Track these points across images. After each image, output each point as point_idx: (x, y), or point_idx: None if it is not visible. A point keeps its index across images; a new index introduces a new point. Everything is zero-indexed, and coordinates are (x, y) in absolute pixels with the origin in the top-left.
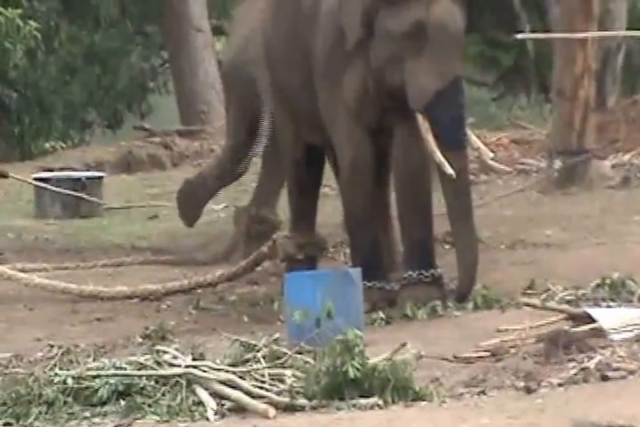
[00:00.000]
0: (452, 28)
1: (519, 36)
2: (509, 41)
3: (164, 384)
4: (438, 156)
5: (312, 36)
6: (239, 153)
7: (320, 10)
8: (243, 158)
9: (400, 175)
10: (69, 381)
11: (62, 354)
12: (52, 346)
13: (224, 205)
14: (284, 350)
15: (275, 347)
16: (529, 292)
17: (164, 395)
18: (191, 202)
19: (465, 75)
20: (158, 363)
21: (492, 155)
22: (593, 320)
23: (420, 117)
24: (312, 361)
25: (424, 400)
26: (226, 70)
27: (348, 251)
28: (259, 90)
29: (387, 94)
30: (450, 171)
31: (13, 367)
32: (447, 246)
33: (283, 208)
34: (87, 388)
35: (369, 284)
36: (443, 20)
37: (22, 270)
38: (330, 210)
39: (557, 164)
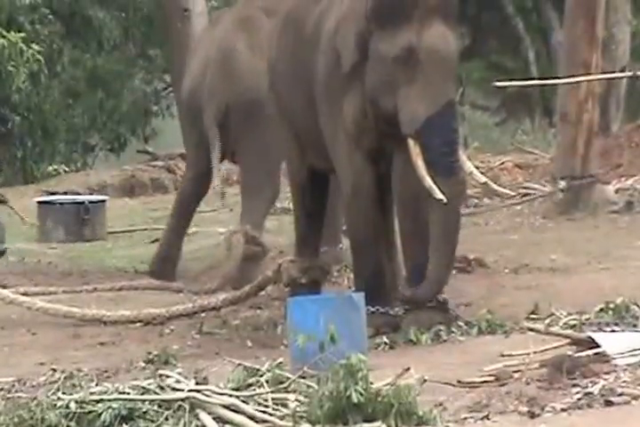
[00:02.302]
0: (444, 52)
1: (499, 84)
2: (513, 65)
3: (167, 409)
4: (428, 181)
5: (313, 59)
6: (201, 183)
7: (321, 33)
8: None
9: (401, 200)
10: (72, 405)
11: (65, 378)
12: (54, 370)
13: (230, 227)
14: (288, 374)
15: (278, 371)
16: (533, 316)
17: (167, 419)
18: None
19: (469, 99)
20: (161, 387)
21: (484, 180)
22: (597, 345)
23: (411, 142)
24: (315, 386)
25: (428, 425)
26: (182, 99)
27: (351, 275)
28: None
29: (384, 119)
30: (439, 196)
31: (16, 392)
32: (453, 271)
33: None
34: (90, 412)
35: (372, 308)
36: (434, 45)
37: (25, 294)
38: None
39: (562, 184)
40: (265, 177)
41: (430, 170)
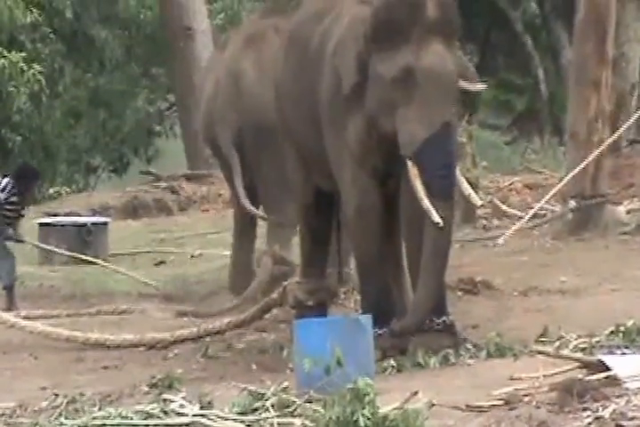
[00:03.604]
0: (443, 73)
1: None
2: (523, 83)
3: None
4: (426, 203)
5: (318, 79)
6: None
7: (324, 54)
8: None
9: (407, 221)
10: None
11: (68, 403)
12: (57, 395)
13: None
14: (294, 398)
15: (284, 395)
16: (542, 339)
17: None
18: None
19: (478, 118)
20: (165, 412)
21: (480, 202)
22: (607, 368)
23: (409, 164)
24: (322, 410)
25: None
26: (200, 123)
27: (358, 297)
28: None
29: (386, 139)
30: (437, 219)
31: (17, 417)
32: (459, 293)
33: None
34: None
35: (380, 331)
36: (432, 65)
37: (27, 318)
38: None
39: (572, 204)
40: (285, 196)
41: (427, 192)
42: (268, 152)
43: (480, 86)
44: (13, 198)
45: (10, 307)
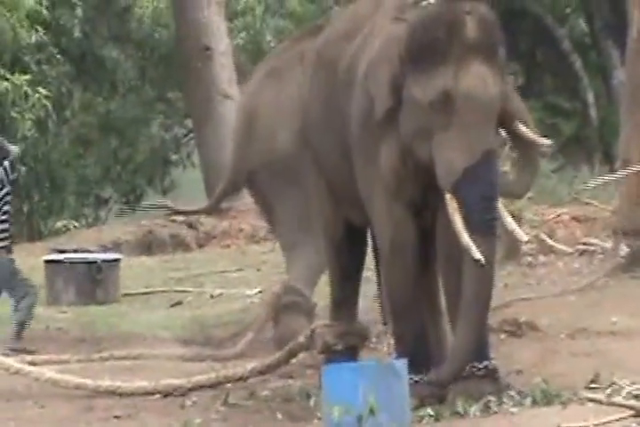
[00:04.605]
0: (484, 96)
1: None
2: (571, 106)
3: None
4: (465, 239)
5: (348, 104)
6: None
7: (354, 76)
8: None
9: (445, 258)
10: None
11: None
12: None
13: (258, 289)
14: None
15: None
16: (593, 386)
17: None
18: None
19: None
20: None
21: (526, 238)
22: None
23: (448, 196)
24: None
25: None
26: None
27: (392, 341)
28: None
29: (423, 169)
30: (477, 256)
31: None
32: (502, 336)
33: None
34: None
35: (416, 377)
36: (472, 89)
37: (32, 363)
38: (370, 294)
39: (624, 249)
40: (304, 232)
41: (467, 226)
42: (280, 192)
43: (546, 142)
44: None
45: (15, 346)
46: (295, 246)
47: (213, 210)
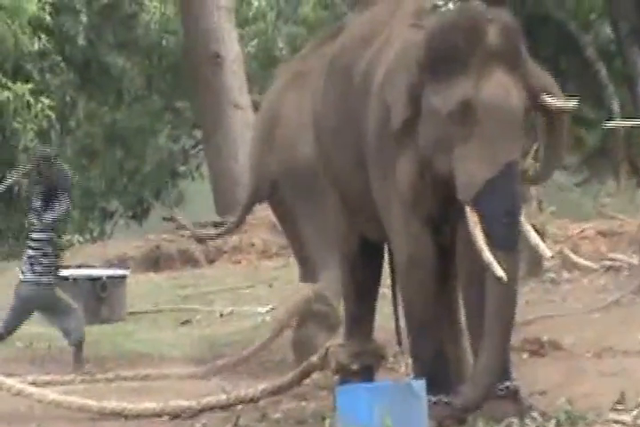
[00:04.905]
0: (506, 106)
1: (610, 124)
2: (595, 116)
3: None
4: (486, 254)
5: (363, 114)
6: None
7: (371, 85)
8: None
9: (465, 275)
10: None
11: None
12: None
13: (270, 307)
14: None
15: None
16: (619, 407)
17: None
18: None
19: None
20: None
21: (550, 254)
22: None
23: (468, 209)
24: None
25: None
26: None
27: (410, 360)
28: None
29: (442, 182)
30: (499, 273)
31: None
32: (525, 355)
33: None
34: None
35: (434, 398)
36: (494, 98)
37: (34, 384)
38: (389, 312)
39: None
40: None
41: (489, 241)
42: (304, 204)
43: (571, 103)
44: (49, 216)
45: (77, 367)
46: (325, 259)
47: (238, 227)
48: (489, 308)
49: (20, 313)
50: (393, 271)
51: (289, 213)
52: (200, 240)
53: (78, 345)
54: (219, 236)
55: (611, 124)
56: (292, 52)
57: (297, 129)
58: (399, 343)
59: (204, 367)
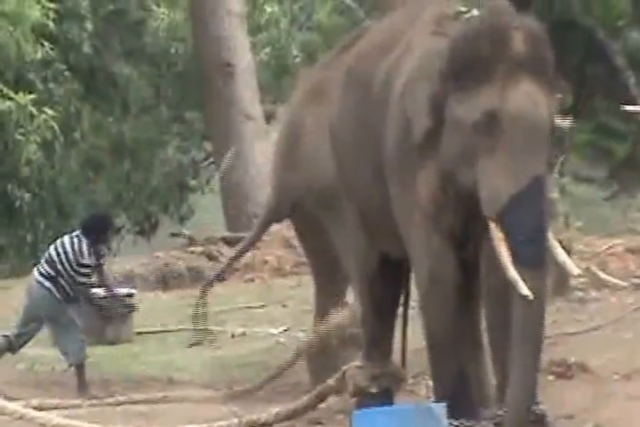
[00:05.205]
0: (533, 117)
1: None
2: (625, 128)
3: None
4: (512, 272)
5: (382, 124)
6: None
7: (390, 95)
8: None
9: (489, 293)
10: None
11: None
12: None
13: (284, 328)
14: None
15: None
16: None
17: None
18: None
19: (571, 169)
20: None
21: (577, 271)
22: None
23: (492, 225)
24: None
25: None
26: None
27: (430, 382)
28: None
29: (465, 196)
30: (525, 291)
31: None
32: (551, 377)
33: None
34: None
35: (456, 422)
36: (520, 108)
37: (38, 408)
38: (409, 333)
39: None
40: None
41: (514, 259)
42: (335, 222)
43: (567, 122)
44: (86, 260)
45: (82, 390)
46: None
47: (254, 245)
48: (516, 329)
49: (29, 317)
50: (406, 290)
51: (313, 230)
52: (209, 257)
53: (80, 366)
54: (237, 258)
55: (631, 107)
56: (306, 60)
57: (319, 144)
58: (403, 365)
59: (224, 391)
